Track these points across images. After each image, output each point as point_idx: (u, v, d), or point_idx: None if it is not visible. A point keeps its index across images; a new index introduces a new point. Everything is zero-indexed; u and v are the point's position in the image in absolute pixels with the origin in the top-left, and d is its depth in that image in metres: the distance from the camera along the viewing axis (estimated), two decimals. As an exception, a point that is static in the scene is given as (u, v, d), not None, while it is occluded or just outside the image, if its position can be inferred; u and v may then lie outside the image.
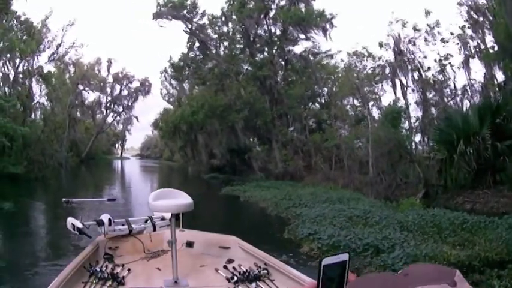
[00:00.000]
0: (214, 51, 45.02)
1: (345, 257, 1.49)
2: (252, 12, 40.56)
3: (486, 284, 8.70)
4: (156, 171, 70.40)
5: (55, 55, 48.74)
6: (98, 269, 4.66)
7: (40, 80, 46.25)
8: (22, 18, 40.38)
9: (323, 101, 41.61)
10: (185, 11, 43.25)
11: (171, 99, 60.80)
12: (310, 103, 42.27)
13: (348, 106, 38.25)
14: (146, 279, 4.80)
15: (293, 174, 35.49)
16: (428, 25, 32.07)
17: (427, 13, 32.02)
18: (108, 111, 78.32)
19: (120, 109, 78.99)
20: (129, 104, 77.66)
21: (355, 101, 37.41)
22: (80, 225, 5.21)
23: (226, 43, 45.01)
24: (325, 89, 41.68)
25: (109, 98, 76.56)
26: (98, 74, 72.10)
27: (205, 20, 44.58)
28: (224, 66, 42.56)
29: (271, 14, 41.20)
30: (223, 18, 43.98)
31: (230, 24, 44.10)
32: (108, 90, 75.69)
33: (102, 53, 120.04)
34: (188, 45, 47.05)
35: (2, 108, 30.78)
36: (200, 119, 41.25)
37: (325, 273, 1.47)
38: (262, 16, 41.06)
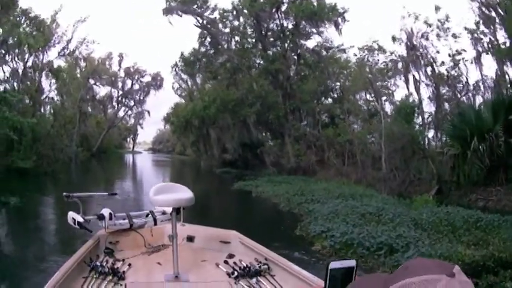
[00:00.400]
0: (225, 46, 44.78)
1: (352, 263, 1.66)
2: (264, 6, 40.37)
3: (500, 286, 8.43)
4: (168, 166, 70.22)
5: (65, 50, 48.90)
6: (99, 264, 4.70)
7: (50, 74, 46.50)
8: (31, 14, 40.15)
9: (336, 96, 41.39)
10: (195, 6, 43.15)
11: (183, 94, 60.84)
12: (323, 98, 41.99)
13: (361, 101, 38.03)
14: (147, 274, 4.83)
15: (306, 169, 35.18)
16: (439, 20, 31.88)
17: (437, 8, 31.77)
18: (119, 105, 78.74)
19: (132, 103, 79.33)
20: (141, 98, 77.97)
21: (368, 96, 37.30)
22: (81, 219, 5.23)
23: (237, 37, 44.64)
24: (338, 84, 41.30)
25: (120, 93, 76.93)
26: (109, 69, 72.29)
27: (216, 15, 44.34)
28: (236, 61, 42.57)
29: (283, 8, 40.90)
30: (234, 13, 43.62)
31: (241, 19, 43.83)
32: (120, 84, 76.11)
33: (114, 48, 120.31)
34: (199, 40, 46.79)
35: (9, 102, 30.82)
36: (212, 113, 41.25)
37: (332, 276, 1.61)
38: (274, 10, 40.76)
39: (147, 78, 76.35)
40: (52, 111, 49.32)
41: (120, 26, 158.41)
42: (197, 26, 44.77)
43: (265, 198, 25.14)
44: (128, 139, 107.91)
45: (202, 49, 47.55)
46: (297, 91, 39.06)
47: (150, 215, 5.88)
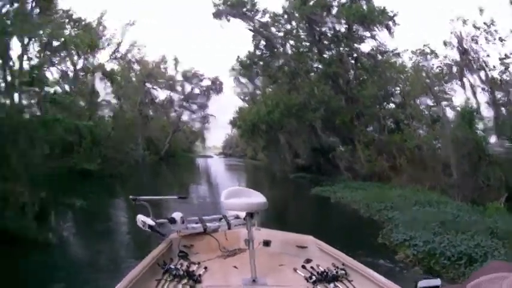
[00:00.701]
0: (281, 50, 44.96)
1: (437, 282, 1.85)
2: (315, 9, 40.25)
3: None
4: (242, 170, 70.17)
5: (116, 53, 50.38)
6: (173, 267, 4.64)
7: (103, 77, 46.78)
8: (74, 16, 40.87)
9: (397, 101, 41.02)
10: (244, 9, 43.54)
11: (246, 98, 61.08)
12: (385, 103, 41.76)
13: (422, 106, 37.68)
14: (223, 278, 4.77)
15: (380, 175, 35.12)
16: (484, 23, 31.35)
17: (481, 10, 31.35)
18: (181, 109, 78.67)
19: (195, 107, 79.12)
20: (203, 102, 78.04)
21: (429, 101, 36.92)
22: (152, 223, 5.15)
23: (292, 41, 44.54)
24: (398, 89, 41.16)
25: (181, 97, 77.05)
26: (165, 73, 72.81)
27: (267, 18, 44.63)
28: (293, 64, 43.01)
29: (334, 11, 40.88)
30: (286, 16, 43.71)
31: (293, 22, 43.76)
32: (179, 88, 76.29)
33: (166, 52, 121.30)
34: (254, 43, 47.13)
35: (61, 104, 31.65)
36: (276, 118, 41.08)
37: None
38: (324, 13, 40.73)
39: (206, 82, 76.59)
40: (111, 114, 49.92)
41: (170, 30, 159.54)
42: (250, 30, 45.20)
43: (344, 204, 25.69)
44: (196, 143, 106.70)
45: (258, 52, 47.70)
46: (359, 96, 39.08)
47: (223, 219, 5.95)
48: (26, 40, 28.50)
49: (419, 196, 23.81)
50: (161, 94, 74.32)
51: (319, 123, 40.72)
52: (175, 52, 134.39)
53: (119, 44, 49.72)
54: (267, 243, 5.72)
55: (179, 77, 74.13)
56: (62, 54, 40.62)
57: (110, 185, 33.25)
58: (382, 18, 38.14)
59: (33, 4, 29.60)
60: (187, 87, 75.81)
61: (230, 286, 4.58)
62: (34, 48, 33.78)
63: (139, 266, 4.43)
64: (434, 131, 33.67)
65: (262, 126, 44.92)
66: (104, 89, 47.94)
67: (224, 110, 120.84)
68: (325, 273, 4.63)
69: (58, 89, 38.83)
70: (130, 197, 5.48)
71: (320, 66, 42.35)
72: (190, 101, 76.34)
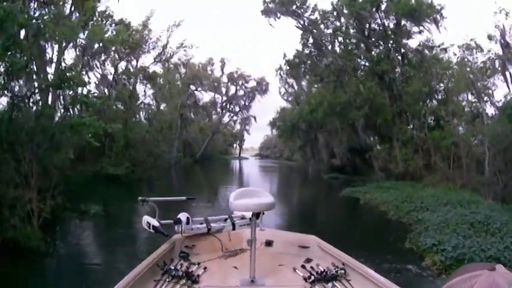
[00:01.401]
0: (329, 47, 44.49)
1: None
2: (364, 6, 39.76)
3: None
4: (275, 171, 69.56)
5: (161, 56, 49.13)
6: (172, 267, 4.65)
7: (143, 80, 46.16)
8: (115, 18, 40.20)
9: (440, 97, 39.85)
10: (294, 7, 43.02)
11: (290, 98, 59.86)
12: (428, 99, 40.17)
13: (464, 102, 36.86)
14: (222, 278, 4.74)
15: (413, 174, 34.49)
16: None
17: None
18: (224, 111, 79.37)
19: (237, 109, 79.69)
20: (246, 103, 78.26)
21: (470, 97, 36.12)
22: (156, 224, 5.33)
23: (340, 38, 44.17)
24: (442, 85, 39.77)
25: (224, 98, 77.40)
26: (211, 74, 73.20)
27: (316, 15, 44.12)
28: (341, 62, 42.40)
29: (383, 6, 40.27)
30: (335, 13, 43.26)
31: (342, 19, 43.29)
32: (223, 90, 76.57)
33: (214, 53, 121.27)
34: (302, 42, 46.66)
35: (94, 106, 31.25)
36: (319, 117, 40.78)
37: None
38: (374, 9, 40.21)
39: (251, 84, 76.86)
40: (148, 117, 49.25)
41: (219, 31, 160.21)
42: (298, 28, 44.76)
43: (373, 205, 25.00)
44: (235, 145, 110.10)
45: (306, 51, 47.23)
46: (403, 93, 38.28)
47: (228, 220, 6.00)
48: (63, 44, 28.11)
49: (451, 195, 23.16)
50: (205, 96, 75.50)
51: (361, 122, 40.16)
52: (221, 52, 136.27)
53: (164, 47, 48.78)
54: (269, 243, 5.75)
55: (225, 79, 74.94)
56: (102, 56, 40.89)
57: (136, 190, 31.72)
58: (430, 12, 37.49)
59: (72, 8, 29.32)
60: (232, 89, 76.71)
61: (228, 286, 4.55)
62: (73, 51, 34.62)
63: (139, 266, 4.43)
64: (474, 128, 32.71)
65: (302, 126, 44.84)
66: (143, 92, 47.80)
67: (266, 112, 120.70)
68: (324, 273, 4.61)
69: (90, 89, 38.18)
70: (139, 198, 5.53)
71: (367, 63, 42.71)
72: (233, 103, 77.48)
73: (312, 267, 4.83)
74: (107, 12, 38.72)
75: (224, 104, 78.58)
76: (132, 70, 44.94)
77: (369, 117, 38.82)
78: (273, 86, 78.50)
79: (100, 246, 16.06)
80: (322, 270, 4.68)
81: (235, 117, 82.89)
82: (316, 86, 49.02)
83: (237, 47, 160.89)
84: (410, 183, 31.94)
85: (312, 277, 4.53)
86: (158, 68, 50.31)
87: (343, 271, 4.65)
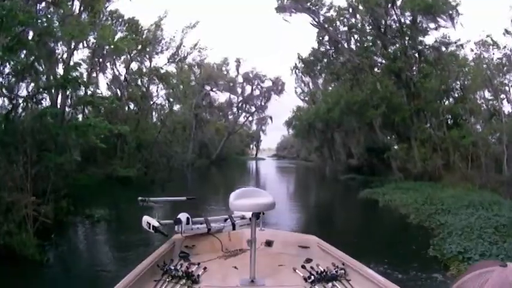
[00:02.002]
0: (345, 45, 43.78)
1: None
2: (379, 1, 38.95)
3: None
4: (291, 172, 68.91)
5: (176, 56, 48.79)
6: (172, 267, 4.66)
7: (156, 80, 45.24)
8: (125, 17, 39.99)
9: (457, 95, 39.20)
10: (309, 3, 42.26)
11: (306, 98, 59.06)
12: (445, 97, 39.69)
13: (480, 100, 36.35)
14: (222, 278, 4.74)
15: (431, 174, 33.56)
16: None
17: None
18: (239, 111, 79.24)
19: (253, 109, 79.54)
20: (262, 103, 77.99)
21: (487, 94, 35.59)
22: (156, 224, 5.34)
23: (356, 36, 43.50)
24: (458, 82, 38.99)
25: (240, 99, 77.28)
26: (227, 75, 72.76)
27: (332, 12, 43.37)
28: (357, 60, 41.43)
29: (398, 2, 39.27)
30: (350, 10, 42.64)
31: (358, 16, 42.65)
32: (239, 90, 76.34)
33: (229, 53, 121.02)
34: (318, 40, 46.17)
35: (100, 106, 31.34)
36: (336, 116, 40.07)
37: None
38: (389, 5, 39.34)
39: (267, 83, 76.57)
40: (161, 118, 48.55)
41: (234, 30, 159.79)
42: (313, 25, 43.92)
43: (392, 208, 24.02)
44: (251, 145, 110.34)
45: (322, 49, 46.82)
46: (421, 90, 37.31)
47: (228, 220, 6.00)
48: (72, 44, 28.41)
49: (472, 196, 22.42)
50: (221, 96, 77.23)
51: (379, 121, 39.34)
52: (236, 52, 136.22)
53: (178, 47, 48.48)
54: (269, 243, 5.80)
55: (240, 79, 74.80)
56: (113, 57, 40.27)
57: (147, 192, 29.10)
58: (446, 8, 36.61)
59: (81, 8, 29.44)
60: (248, 89, 77.14)
61: (228, 287, 4.56)
62: (84, 52, 34.51)
63: (139, 266, 4.42)
64: (492, 126, 32.57)
65: (319, 125, 44.47)
66: (156, 92, 47.01)
67: (283, 112, 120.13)
68: (324, 273, 4.63)
69: (105, 92, 39.21)
70: (139, 198, 5.75)
71: (384, 61, 41.60)
72: (250, 103, 77.36)
73: (312, 268, 4.86)
74: (118, 13, 38.74)
75: (240, 104, 78.43)
76: (144, 70, 44.51)
77: (386, 116, 37.94)
78: (289, 85, 78.08)
79: (99, 254, 15.18)
80: (322, 270, 4.71)
81: (251, 118, 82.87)
82: (332, 84, 48.57)
83: (252, 47, 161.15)
84: (429, 183, 31.19)
85: (312, 277, 4.55)
86: (172, 69, 49.82)
87: (343, 271, 4.68)
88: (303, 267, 4.92)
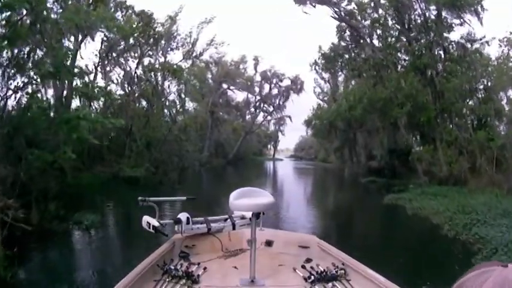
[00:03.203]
0: (368, 40, 41.87)
1: None
2: None
3: None
4: (310, 174, 67.02)
5: (191, 53, 47.32)
6: (172, 267, 4.73)
7: (168, 76, 43.17)
8: (136, 9, 39.27)
9: (481, 95, 36.98)
10: None
11: (325, 98, 58.14)
12: (469, 97, 37.47)
13: (505, 100, 35.29)
14: (222, 278, 4.82)
15: (457, 178, 31.33)
16: None
17: None
18: (257, 111, 78.15)
19: (271, 109, 78.15)
20: (280, 103, 76.55)
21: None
22: (156, 224, 5.32)
23: (379, 31, 41.29)
24: (484, 81, 37.09)
25: (258, 98, 76.05)
26: (244, 73, 71.68)
27: (353, 5, 41.44)
28: (380, 56, 39.51)
29: None
30: (372, 4, 40.81)
31: (380, 10, 40.54)
32: (257, 89, 75.12)
33: (247, 51, 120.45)
34: (338, 34, 44.20)
35: (96, 98, 30.83)
36: (358, 114, 37.94)
37: None
38: None
39: (286, 82, 75.68)
40: (170, 115, 46.28)
41: (253, 27, 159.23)
42: (334, 18, 42.01)
43: (422, 216, 21.60)
44: (269, 146, 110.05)
45: (343, 43, 44.95)
46: (446, 89, 35.06)
47: (228, 220, 6.07)
48: (79, 36, 28.62)
49: (505, 204, 20.78)
50: (239, 95, 76.35)
51: (404, 120, 36.79)
52: (254, 49, 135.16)
53: (193, 43, 46.87)
54: (269, 243, 5.95)
55: (258, 77, 75.28)
56: (123, 50, 39.22)
57: (153, 194, 28.42)
58: (472, 2, 35.10)
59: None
60: (266, 87, 76.72)
61: (228, 286, 4.65)
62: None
63: (139, 266, 4.51)
64: None
65: (340, 125, 42.88)
66: (168, 88, 45.16)
67: (302, 112, 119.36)
68: (324, 273, 4.76)
69: (115, 88, 38.90)
70: (139, 198, 5.47)
71: (407, 57, 39.46)
72: (268, 102, 77.12)
73: (312, 267, 5.02)
74: (127, 4, 37.89)
75: (258, 103, 77.29)
76: (157, 66, 42.65)
77: (411, 116, 35.86)
78: (308, 85, 76.98)
79: (78, 272, 12.56)
80: (322, 270, 4.86)
81: (269, 117, 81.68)
82: (353, 81, 46.55)
83: (270, 45, 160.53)
84: (455, 188, 29.17)
85: (312, 277, 4.69)
86: (187, 65, 48.33)
87: (343, 271, 4.81)
88: (303, 267, 5.08)
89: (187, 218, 5.59)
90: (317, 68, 52.05)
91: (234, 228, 5.99)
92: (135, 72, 40.85)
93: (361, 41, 42.13)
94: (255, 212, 4.83)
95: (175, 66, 43.23)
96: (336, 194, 37.21)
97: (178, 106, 47.32)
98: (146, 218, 5.48)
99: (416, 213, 22.69)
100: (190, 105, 53.40)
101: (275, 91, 76.25)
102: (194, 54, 48.17)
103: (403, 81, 36.24)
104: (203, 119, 61.93)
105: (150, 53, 42.28)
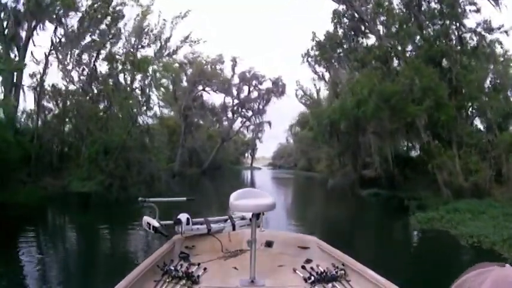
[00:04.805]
0: (371, 25, 36.64)
1: None
2: None
3: None
4: (297, 185, 62.90)
5: (163, 51, 42.72)
6: (172, 268, 4.69)
7: (128, 68, 37.18)
8: None
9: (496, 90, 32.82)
10: None
11: (308, 102, 57.44)
12: (491, 93, 32.82)
13: None
14: (222, 279, 4.78)
15: (479, 188, 26.57)
16: None
17: None
18: (235, 116, 74.86)
19: (250, 113, 75.62)
20: (260, 107, 74.09)
21: None
22: (156, 224, 5.40)
23: (382, 17, 36.35)
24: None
25: (236, 101, 72.80)
26: (221, 74, 67.53)
27: None
28: (388, 43, 34.58)
29: None
30: None
31: None
32: (235, 92, 71.67)
33: (241, 50, 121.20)
34: (336, 20, 38.75)
35: None
36: (370, 112, 30.96)
37: None
38: None
39: (266, 84, 72.66)
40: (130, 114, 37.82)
41: (246, 27, 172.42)
42: (333, 0, 37.66)
43: (486, 249, 15.53)
44: (246, 154, 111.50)
45: (340, 32, 39.49)
46: (465, 83, 30.68)
47: (228, 220, 6.07)
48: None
49: None
50: (215, 98, 75.64)
51: (424, 120, 30.27)
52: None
53: (166, 40, 42.45)
54: (269, 244, 5.93)
55: (236, 79, 71.66)
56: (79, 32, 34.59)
57: (98, 219, 22.26)
58: None
59: None
60: (244, 90, 73.47)
61: (228, 287, 4.65)
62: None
63: (139, 267, 4.47)
64: None
65: (343, 125, 35.81)
66: (126, 83, 38.89)
67: (280, 120, 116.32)
68: (324, 274, 4.71)
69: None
70: (140, 198, 5.61)
71: (421, 44, 33.69)
72: (246, 106, 74.56)
73: (312, 268, 4.95)
74: None
75: (235, 107, 74.03)
76: (118, 56, 36.99)
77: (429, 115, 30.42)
78: (290, 88, 73.33)
79: None
80: (322, 270, 4.79)
81: (247, 123, 78.12)
82: (355, 73, 39.31)
83: (263, 43, 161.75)
84: (485, 201, 24.76)
85: (312, 278, 4.62)
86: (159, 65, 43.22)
87: (343, 272, 4.74)
88: (303, 267, 5.01)
89: (187, 218, 5.56)
90: (310, 60, 45.64)
91: (234, 229, 5.95)
92: (94, 65, 35.40)
93: (363, 27, 37.34)
94: (255, 212, 4.84)
95: (140, 56, 37.79)
96: (338, 214, 29.58)
97: (143, 105, 39.08)
98: (146, 219, 5.54)
99: (474, 243, 16.45)
100: (158, 105, 47.13)
101: (254, 94, 73.38)
102: (167, 52, 43.90)
103: (415, 73, 30.85)
104: (176, 124, 58.28)
105: (114, 40, 36.86)
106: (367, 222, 26.20)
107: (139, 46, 39.36)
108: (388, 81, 32.29)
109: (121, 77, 37.74)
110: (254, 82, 71.88)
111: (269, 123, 77.38)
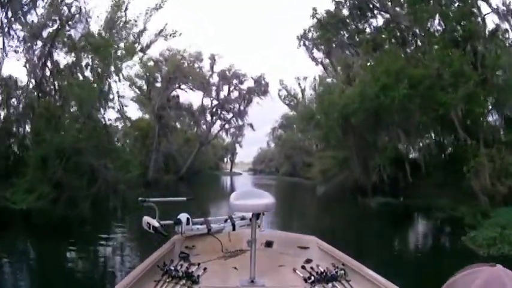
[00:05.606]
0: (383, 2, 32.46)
1: None
2: None
3: None
4: (283, 192, 57.96)
5: (136, 45, 39.75)
6: (172, 268, 4.67)
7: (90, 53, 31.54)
8: None
9: None
10: None
11: (292, 103, 59.01)
12: None
13: None
14: (222, 279, 4.81)
15: (509, 195, 23.09)
16: None
17: None
18: (214, 118, 71.37)
19: (230, 115, 71.92)
20: (241, 108, 70.46)
21: None
22: (156, 224, 5.21)
23: None
24: None
25: (215, 102, 69.37)
26: (200, 72, 63.46)
27: None
28: (405, 22, 30.24)
29: None
30: None
31: None
32: (214, 92, 68.16)
33: (238, 48, 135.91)
34: None
35: None
36: (399, 100, 25.60)
37: None
38: None
39: (248, 83, 68.89)
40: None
41: (242, 24, 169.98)
42: None
43: None
44: (226, 159, 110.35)
45: (344, 11, 34.82)
46: (490, 72, 26.49)
47: (228, 220, 5.97)
48: None
49: None
50: (192, 99, 72.76)
51: (462, 111, 26.01)
52: (244, 45, 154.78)
53: (139, 33, 39.46)
54: (269, 243, 5.99)
55: (215, 78, 67.87)
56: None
57: (37, 247, 17.38)
58: None
59: None
60: (224, 90, 69.78)
61: (228, 287, 4.68)
62: None
63: (139, 267, 4.51)
64: None
65: (353, 120, 30.78)
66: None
67: (261, 124, 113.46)
68: (324, 274, 4.71)
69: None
70: (139, 198, 5.34)
71: (442, 23, 30.02)
72: (226, 107, 70.96)
73: (312, 268, 4.95)
74: None
75: (214, 109, 70.46)
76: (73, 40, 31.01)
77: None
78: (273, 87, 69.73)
79: None
80: (322, 270, 4.79)
81: (227, 125, 74.96)
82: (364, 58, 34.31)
83: (260, 41, 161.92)
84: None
85: (312, 278, 4.62)
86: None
87: (343, 272, 4.72)
88: (303, 267, 5.01)
89: (187, 218, 5.44)
90: (307, 43, 39.81)
91: (234, 229, 5.81)
92: (49, 51, 29.49)
93: (370, 4, 33.08)
94: (255, 212, 4.85)
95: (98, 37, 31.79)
96: (365, 232, 23.64)
97: (100, 97, 32.27)
98: (146, 219, 5.36)
99: None
100: (118, 96, 41.47)
101: (235, 94, 69.74)
102: (140, 46, 41.32)
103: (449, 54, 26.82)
104: (149, 126, 55.00)
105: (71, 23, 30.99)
106: (412, 251, 19.52)
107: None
108: (409, 65, 27.80)
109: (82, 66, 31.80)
110: (235, 81, 68.33)
111: (251, 125, 74.22)
